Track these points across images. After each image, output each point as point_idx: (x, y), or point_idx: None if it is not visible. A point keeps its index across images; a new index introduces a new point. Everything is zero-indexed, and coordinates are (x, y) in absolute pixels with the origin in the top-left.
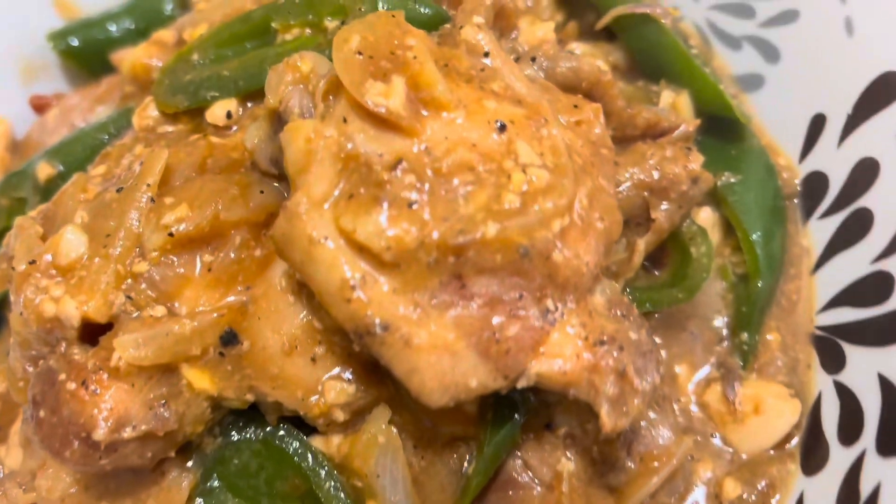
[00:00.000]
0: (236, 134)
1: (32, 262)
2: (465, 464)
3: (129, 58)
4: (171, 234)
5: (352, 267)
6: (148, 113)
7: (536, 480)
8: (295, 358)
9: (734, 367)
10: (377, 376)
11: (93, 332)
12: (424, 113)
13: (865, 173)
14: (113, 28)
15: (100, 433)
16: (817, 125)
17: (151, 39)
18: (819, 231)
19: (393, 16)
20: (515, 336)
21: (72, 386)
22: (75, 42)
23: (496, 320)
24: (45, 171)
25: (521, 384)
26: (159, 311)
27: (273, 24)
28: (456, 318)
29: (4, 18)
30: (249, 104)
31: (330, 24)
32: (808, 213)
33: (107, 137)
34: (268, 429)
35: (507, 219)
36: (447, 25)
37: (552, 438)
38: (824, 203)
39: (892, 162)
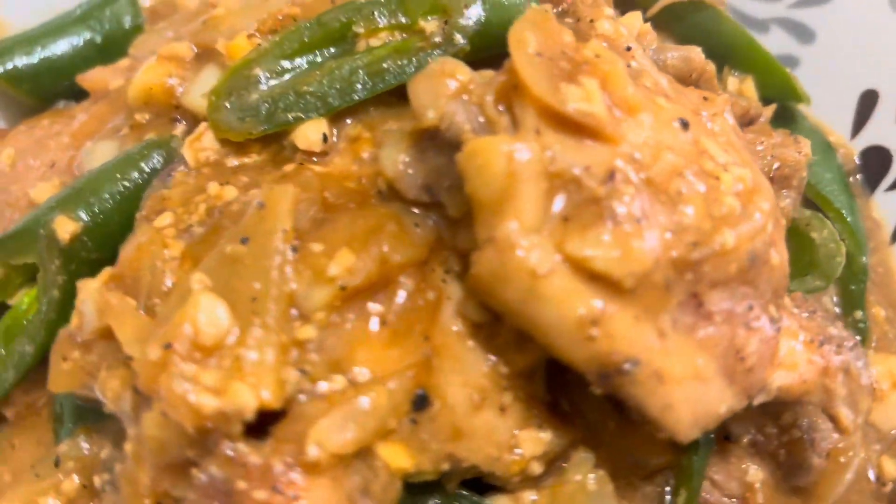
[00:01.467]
0: (334, 160)
1: (169, 346)
2: (668, 496)
3: (139, 80)
4: (342, 288)
5: (586, 299)
6: (204, 144)
7: (727, 497)
8: (484, 412)
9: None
10: (563, 417)
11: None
12: (618, 116)
13: None
14: (62, 45)
15: None
16: (868, 101)
17: (162, 55)
18: (888, 203)
19: (546, 11)
20: (757, 351)
21: (261, 495)
22: (14, 64)
23: (738, 337)
24: (66, 226)
25: (758, 400)
26: (339, 382)
27: (355, 29)
28: (701, 340)
29: None
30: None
31: (428, 24)
32: (872, 187)
33: (141, 178)
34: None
35: (736, 225)
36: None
37: (736, 450)
38: (889, 175)
39: None
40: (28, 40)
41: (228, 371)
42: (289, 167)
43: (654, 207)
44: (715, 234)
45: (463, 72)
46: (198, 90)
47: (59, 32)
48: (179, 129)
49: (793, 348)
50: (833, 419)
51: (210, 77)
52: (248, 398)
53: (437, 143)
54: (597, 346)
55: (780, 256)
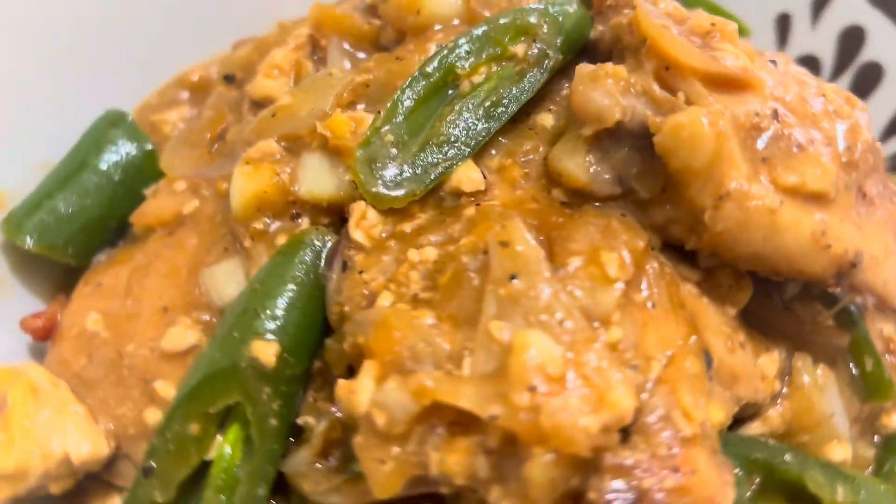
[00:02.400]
0: (495, 192)
1: (533, 389)
2: (854, 370)
3: (245, 190)
4: (625, 283)
5: (812, 217)
6: (371, 221)
7: None
8: (737, 352)
9: None
10: (772, 337)
11: None
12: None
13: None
14: (87, 199)
15: None
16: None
17: (252, 159)
18: None
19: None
20: None
21: (670, 482)
22: (50, 233)
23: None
24: (266, 350)
25: None
26: (657, 364)
27: (458, 72)
28: (878, 220)
29: None
30: None
31: (518, 48)
32: None
33: (307, 277)
34: None
35: (849, 118)
36: None
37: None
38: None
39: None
40: (50, 202)
41: (592, 388)
42: (469, 211)
43: (809, 129)
44: (857, 134)
45: (620, 71)
46: (311, 180)
47: (76, 187)
48: (304, 222)
49: None
50: None
51: (315, 163)
52: (627, 403)
53: (615, 138)
54: (832, 252)
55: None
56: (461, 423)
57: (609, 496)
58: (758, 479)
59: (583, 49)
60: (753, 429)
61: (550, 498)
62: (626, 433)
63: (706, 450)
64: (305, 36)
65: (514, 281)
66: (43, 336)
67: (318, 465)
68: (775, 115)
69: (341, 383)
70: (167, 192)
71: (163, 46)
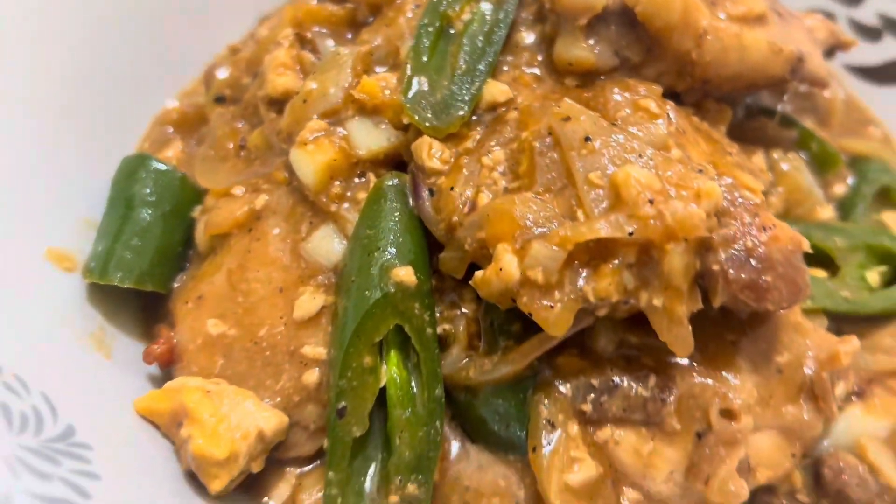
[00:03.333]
0: (520, 100)
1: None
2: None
3: (315, 164)
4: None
5: (764, 33)
6: (437, 150)
7: None
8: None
9: None
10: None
11: None
12: None
13: None
14: (150, 235)
15: None
16: None
17: (306, 140)
18: None
19: None
20: None
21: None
22: (129, 271)
23: None
24: (406, 273)
25: None
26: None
27: (450, 14)
28: (797, 28)
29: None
30: None
31: None
32: None
33: (405, 207)
34: None
35: None
36: None
37: None
38: None
39: None
40: (119, 244)
41: (689, 189)
42: (511, 115)
43: None
44: None
45: None
46: (365, 140)
47: (134, 225)
48: (370, 176)
49: None
50: None
51: (362, 126)
52: (717, 190)
53: (604, 21)
54: (785, 54)
55: None
56: (598, 255)
57: (727, 261)
58: None
59: None
60: None
61: (688, 281)
62: (718, 218)
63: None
64: (292, 35)
65: (590, 141)
66: (167, 361)
67: (471, 355)
68: None
69: (478, 274)
70: (229, 200)
71: (139, 91)
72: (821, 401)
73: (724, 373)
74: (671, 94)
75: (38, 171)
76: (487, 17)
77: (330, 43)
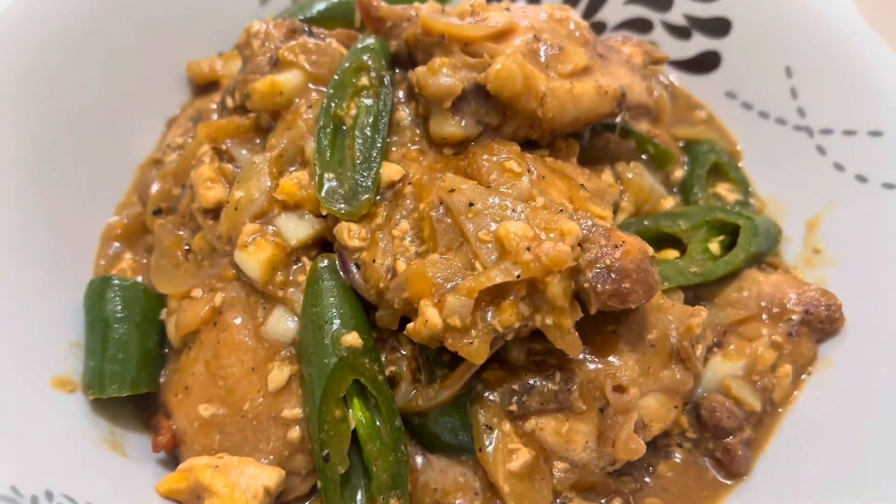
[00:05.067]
0: (410, 171)
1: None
2: None
3: (259, 263)
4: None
5: (590, 82)
6: (354, 231)
7: None
8: None
9: None
10: None
11: None
12: None
13: None
14: (123, 346)
15: None
16: None
17: (246, 244)
18: None
19: None
20: None
21: None
22: (114, 374)
23: None
24: (352, 338)
25: None
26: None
27: (340, 114)
28: (617, 64)
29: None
30: None
31: (363, 80)
32: None
33: (339, 283)
34: None
35: None
36: None
37: None
38: None
39: None
40: (105, 360)
41: (554, 230)
42: (407, 189)
43: (555, 33)
44: (579, 23)
45: (444, 60)
46: (294, 232)
47: (114, 341)
48: (304, 260)
49: None
50: None
51: (289, 220)
52: (575, 227)
53: (464, 99)
54: (610, 93)
55: None
56: (498, 295)
57: (594, 278)
58: None
59: (392, 61)
60: (619, 219)
61: (568, 300)
62: (580, 246)
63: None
64: (210, 150)
65: (473, 205)
66: (172, 446)
67: (416, 387)
68: (536, 38)
69: (410, 327)
70: (191, 302)
71: (84, 211)
72: (687, 362)
73: (611, 357)
74: (528, 142)
75: (26, 307)
76: (370, 110)
77: (243, 152)
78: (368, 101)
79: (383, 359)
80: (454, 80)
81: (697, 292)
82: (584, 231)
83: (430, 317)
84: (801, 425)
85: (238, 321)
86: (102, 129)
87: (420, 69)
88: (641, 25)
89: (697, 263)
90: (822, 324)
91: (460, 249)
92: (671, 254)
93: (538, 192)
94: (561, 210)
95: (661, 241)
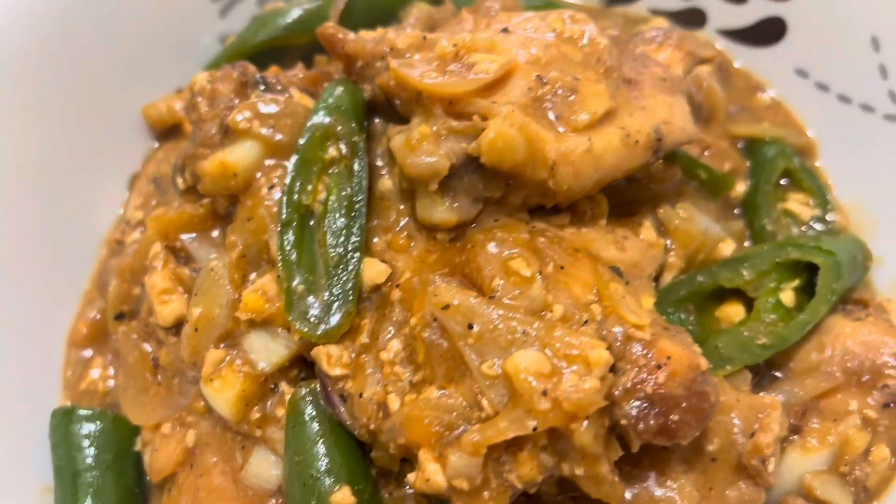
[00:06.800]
0: (398, 264)
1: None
2: None
3: (225, 395)
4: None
5: (614, 132)
6: (335, 355)
7: None
8: None
9: None
10: None
11: None
12: None
13: None
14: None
15: None
16: None
17: (210, 375)
18: None
19: None
20: None
21: None
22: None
23: None
24: (343, 497)
25: None
26: None
27: (304, 202)
28: (649, 90)
29: None
30: None
31: (331, 151)
32: None
33: (324, 418)
34: None
35: None
36: None
37: None
38: None
39: None
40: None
41: (576, 361)
42: (395, 294)
43: (568, 69)
44: (596, 45)
45: (424, 129)
46: (265, 355)
47: (88, 489)
48: (283, 385)
49: None
50: None
51: (258, 341)
52: (603, 353)
53: (454, 176)
54: (641, 143)
55: None
56: (513, 444)
57: (633, 413)
58: (691, 307)
59: (369, 109)
60: (667, 279)
61: (601, 445)
62: (613, 369)
63: (664, 336)
64: (163, 251)
65: (473, 328)
66: None
67: None
68: (541, 80)
69: (411, 478)
70: (161, 440)
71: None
72: (757, 479)
73: (663, 482)
74: (541, 208)
75: None
76: (343, 190)
77: (202, 251)
78: (340, 180)
79: (388, 494)
80: (438, 157)
81: (769, 358)
82: (619, 343)
83: (431, 474)
84: None
85: (216, 463)
86: (59, 196)
87: (396, 140)
88: None
89: (767, 328)
90: None
91: (463, 380)
92: (735, 311)
93: (554, 297)
94: (586, 321)
95: (720, 294)
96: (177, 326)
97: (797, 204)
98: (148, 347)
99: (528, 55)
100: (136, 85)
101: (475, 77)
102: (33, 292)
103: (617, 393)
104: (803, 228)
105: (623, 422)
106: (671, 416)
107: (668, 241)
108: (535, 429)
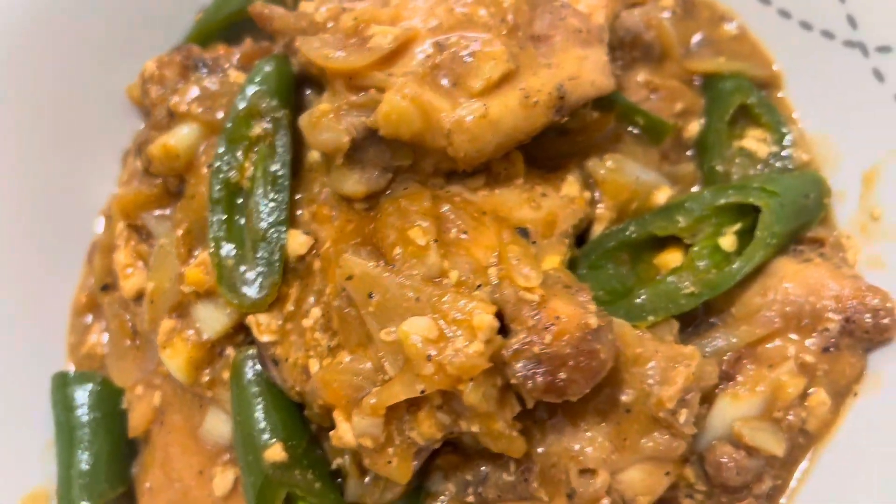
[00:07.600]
0: (322, 234)
1: None
2: None
3: (181, 364)
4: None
5: (512, 94)
6: (265, 323)
7: None
8: None
9: None
10: None
11: None
12: None
13: None
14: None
15: None
16: None
17: (164, 342)
18: None
19: None
20: None
21: None
22: (87, 485)
23: None
24: (275, 452)
25: None
26: None
27: (233, 180)
28: (560, 46)
29: None
30: None
31: (256, 129)
32: None
33: (262, 380)
34: None
35: None
36: None
37: None
38: None
39: None
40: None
41: (461, 326)
42: (316, 264)
43: (467, 33)
44: (500, 2)
45: (324, 106)
46: (210, 324)
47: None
48: (229, 349)
49: None
50: None
51: (203, 311)
52: (487, 319)
53: (359, 148)
54: (541, 103)
55: None
56: (412, 403)
57: (521, 373)
58: (625, 256)
59: (299, 83)
60: (597, 231)
61: (492, 404)
62: (504, 329)
63: (559, 296)
64: (126, 229)
65: (373, 297)
66: None
67: (366, 483)
68: (438, 46)
69: (331, 435)
70: (135, 401)
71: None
72: (671, 429)
73: (576, 431)
74: (457, 172)
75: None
76: (268, 165)
77: (161, 228)
78: (265, 156)
79: (329, 448)
80: (337, 132)
81: (709, 302)
82: (510, 304)
83: (343, 434)
84: (845, 459)
85: (179, 421)
86: (56, 176)
87: (302, 118)
88: None
89: (698, 276)
90: (867, 333)
91: (369, 346)
92: (675, 258)
93: (451, 263)
94: (479, 286)
95: (662, 241)
96: (140, 298)
97: (754, 141)
98: (127, 316)
99: (429, 22)
100: (130, 62)
101: (370, 50)
102: (38, 265)
103: (507, 353)
104: (759, 167)
105: (513, 381)
106: (559, 375)
107: (598, 193)
108: (422, 392)
